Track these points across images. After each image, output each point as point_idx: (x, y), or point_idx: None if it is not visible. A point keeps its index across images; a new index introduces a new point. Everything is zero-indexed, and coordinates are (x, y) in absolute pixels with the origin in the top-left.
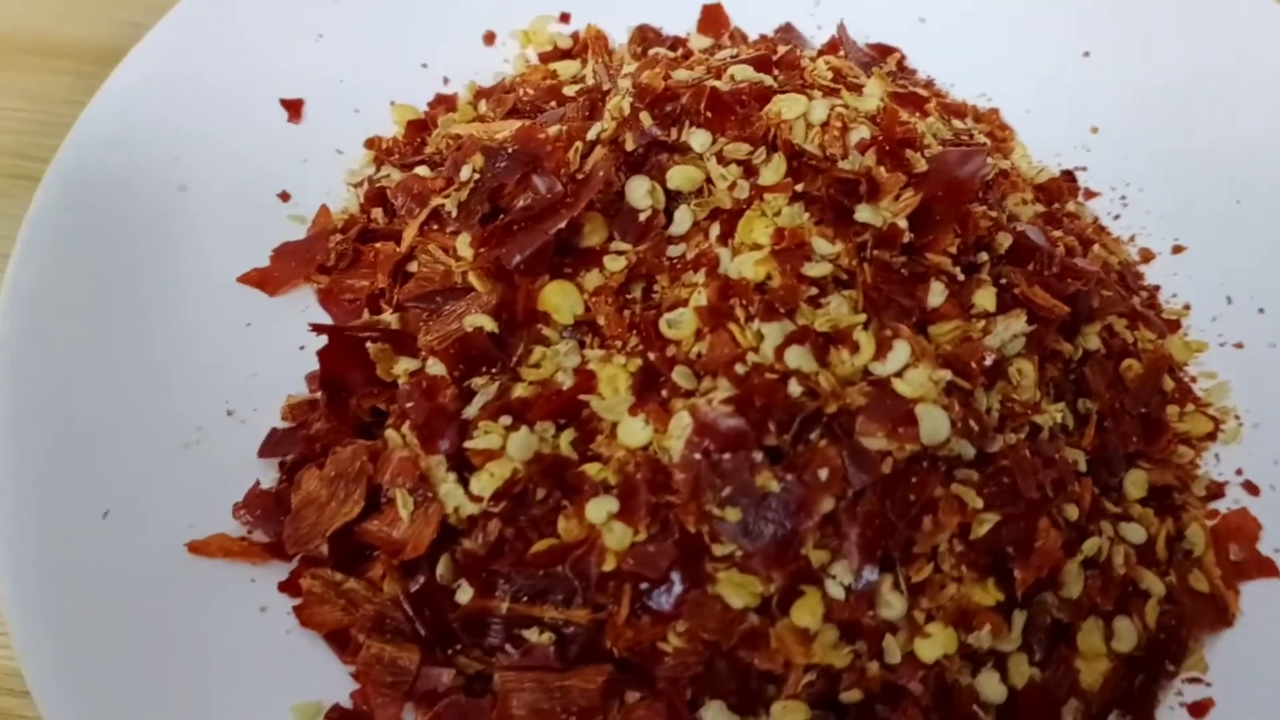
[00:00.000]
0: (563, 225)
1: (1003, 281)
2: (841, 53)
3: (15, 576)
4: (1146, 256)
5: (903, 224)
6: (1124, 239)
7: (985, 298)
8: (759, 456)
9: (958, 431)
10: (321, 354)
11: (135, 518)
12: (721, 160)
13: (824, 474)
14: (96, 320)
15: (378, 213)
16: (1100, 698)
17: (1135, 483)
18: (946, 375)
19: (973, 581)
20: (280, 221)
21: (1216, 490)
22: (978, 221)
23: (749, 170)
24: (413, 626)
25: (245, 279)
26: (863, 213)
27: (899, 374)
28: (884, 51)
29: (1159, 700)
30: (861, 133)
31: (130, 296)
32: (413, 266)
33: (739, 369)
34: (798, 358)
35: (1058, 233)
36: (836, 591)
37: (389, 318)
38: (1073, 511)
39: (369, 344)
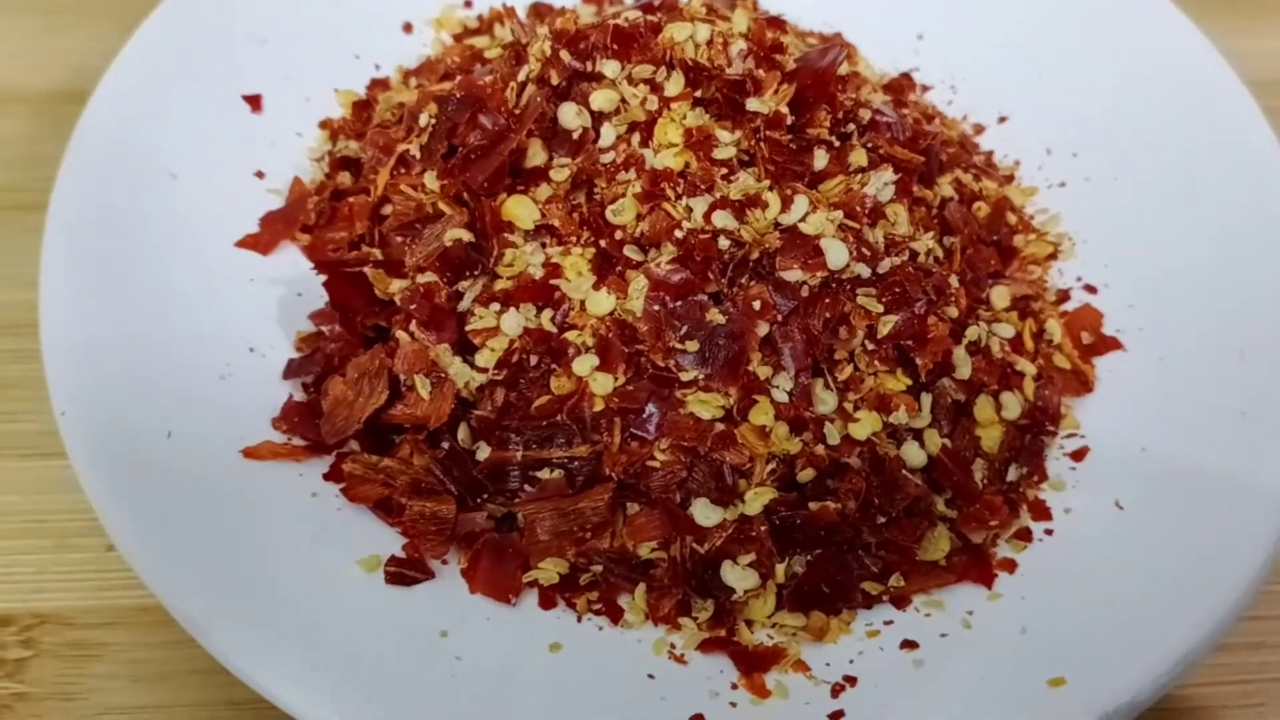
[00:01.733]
0: (513, 146)
1: (869, 145)
2: None
3: (111, 499)
4: (979, 129)
5: (784, 110)
6: (959, 119)
7: (859, 157)
8: (704, 298)
9: (855, 258)
10: (327, 285)
11: (193, 436)
12: (631, 82)
13: (757, 305)
14: (130, 292)
15: (344, 177)
16: (1000, 456)
17: (1000, 295)
18: (839, 216)
19: (885, 373)
20: (261, 195)
21: (1064, 295)
22: (842, 102)
23: (655, 87)
24: (445, 486)
25: (241, 244)
26: (752, 104)
27: (803, 220)
28: None
29: (1046, 454)
30: (739, 46)
31: (152, 268)
32: (386, 210)
33: (678, 234)
34: (723, 219)
35: (905, 111)
36: (781, 397)
37: (375, 253)
38: (953, 311)
39: (366, 269)
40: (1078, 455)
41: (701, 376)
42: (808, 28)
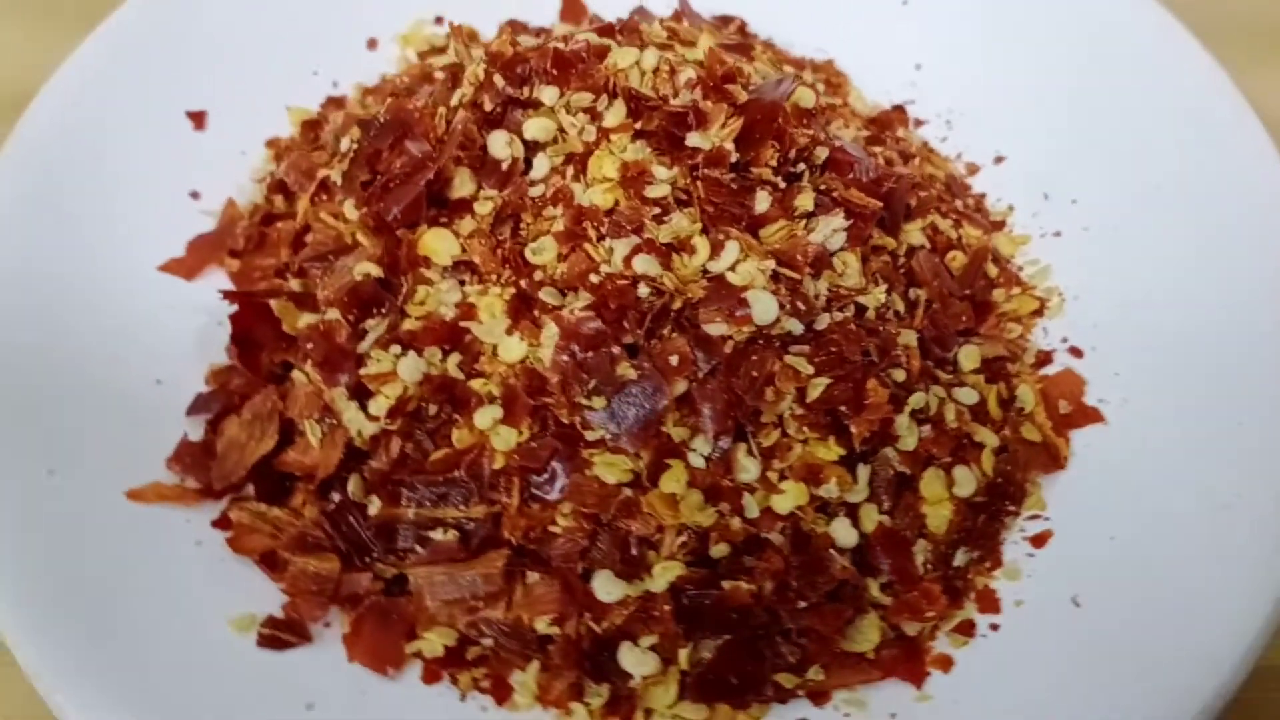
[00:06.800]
0: (430, 176)
1: (822, 188)
2: (684, 22)
3: None
4: (972, 170)
5: (729, 146)
6: (951, 157)
7: (805, 200)
8: (617, 350)
9: (786, 312)
10: (233, 317)
11: (78, 474)
12: (569, 110)
13: (674, 360)
14: (34, 307)
15: (279, 199)
16: (948, 537)
17: (968, 356)
18: (771, 265)
19: (816, 441)
20: (194, 217)
21: (1045, 358)
22: (795, 139)
23: (594, 116)
24: (332, 542)
25: (165, 268)
26: (693, 139)
27: (731, 269)
28: (725, 20)
29: (1003, 537)
30: (688, 74)
31: (66, 285)
32: (310, 238)
33: (594, 279)
34: (644, 264)
35: (878, 149)
36: (698, 461)
37: (293, 283)
38: (899, 374)
39: (272, 303)
40: (1038, 540)
41: (609, 436)
42: (800, 54)
